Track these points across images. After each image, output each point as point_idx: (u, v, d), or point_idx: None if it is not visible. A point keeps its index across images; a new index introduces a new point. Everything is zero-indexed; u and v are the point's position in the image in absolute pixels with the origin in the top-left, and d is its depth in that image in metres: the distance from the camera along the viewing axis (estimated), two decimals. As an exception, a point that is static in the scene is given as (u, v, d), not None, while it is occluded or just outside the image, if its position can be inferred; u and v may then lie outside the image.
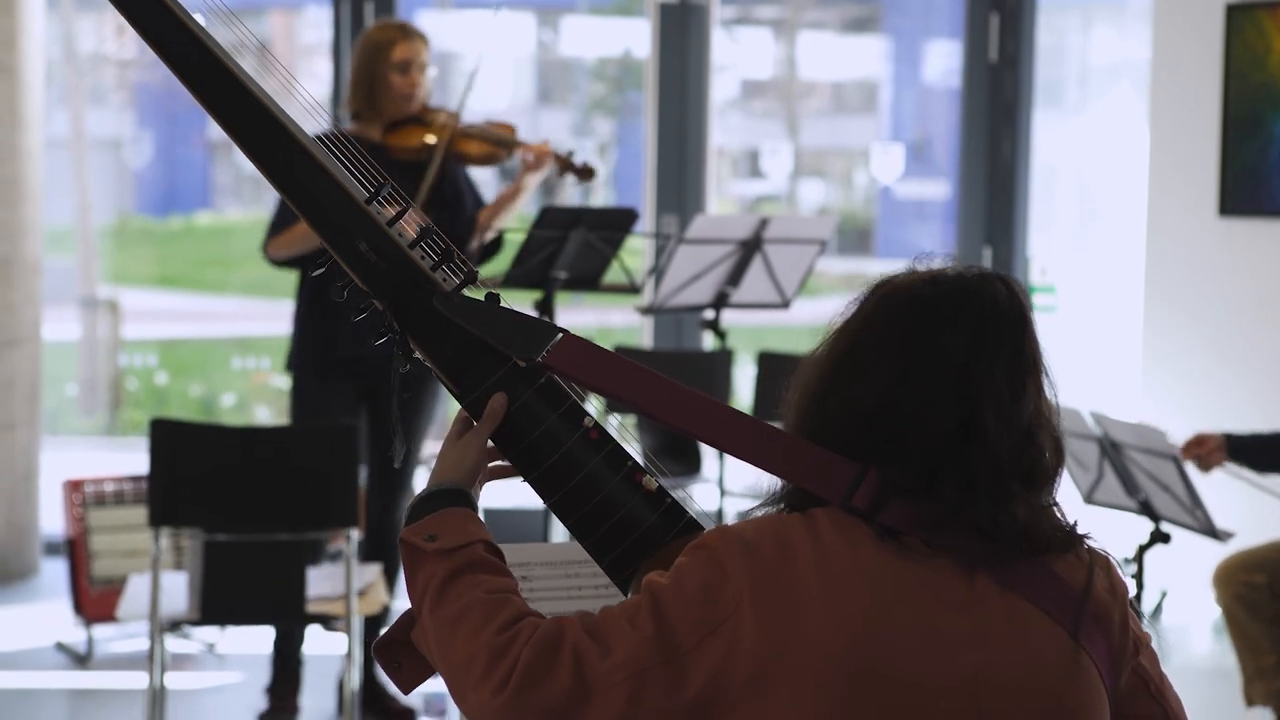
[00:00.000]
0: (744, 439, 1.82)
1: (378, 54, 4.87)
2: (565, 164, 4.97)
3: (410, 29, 4.96)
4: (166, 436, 4.09)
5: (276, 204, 4.90)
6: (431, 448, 6.13)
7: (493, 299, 1.92)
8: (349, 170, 1.96)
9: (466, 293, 1.93)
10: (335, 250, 1.92)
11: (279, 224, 4.77)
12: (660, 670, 1.67)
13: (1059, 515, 1.79)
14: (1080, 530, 1.80)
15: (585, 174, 5.01)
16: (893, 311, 1.77)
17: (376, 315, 1.95)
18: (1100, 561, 1.80)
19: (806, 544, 1.71)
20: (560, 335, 1.89)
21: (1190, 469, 4.51)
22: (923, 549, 1.72)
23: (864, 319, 1.79)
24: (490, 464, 1.92)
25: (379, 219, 1.92)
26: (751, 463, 1.82)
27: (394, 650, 1.86)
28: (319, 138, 2.04)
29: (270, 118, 1.92)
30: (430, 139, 4.89)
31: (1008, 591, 1.73)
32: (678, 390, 1.86)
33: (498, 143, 4.95)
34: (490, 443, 1.90)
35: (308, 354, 4.80)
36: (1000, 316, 1.76)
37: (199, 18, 1.95)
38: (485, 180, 6.76)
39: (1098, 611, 1.77)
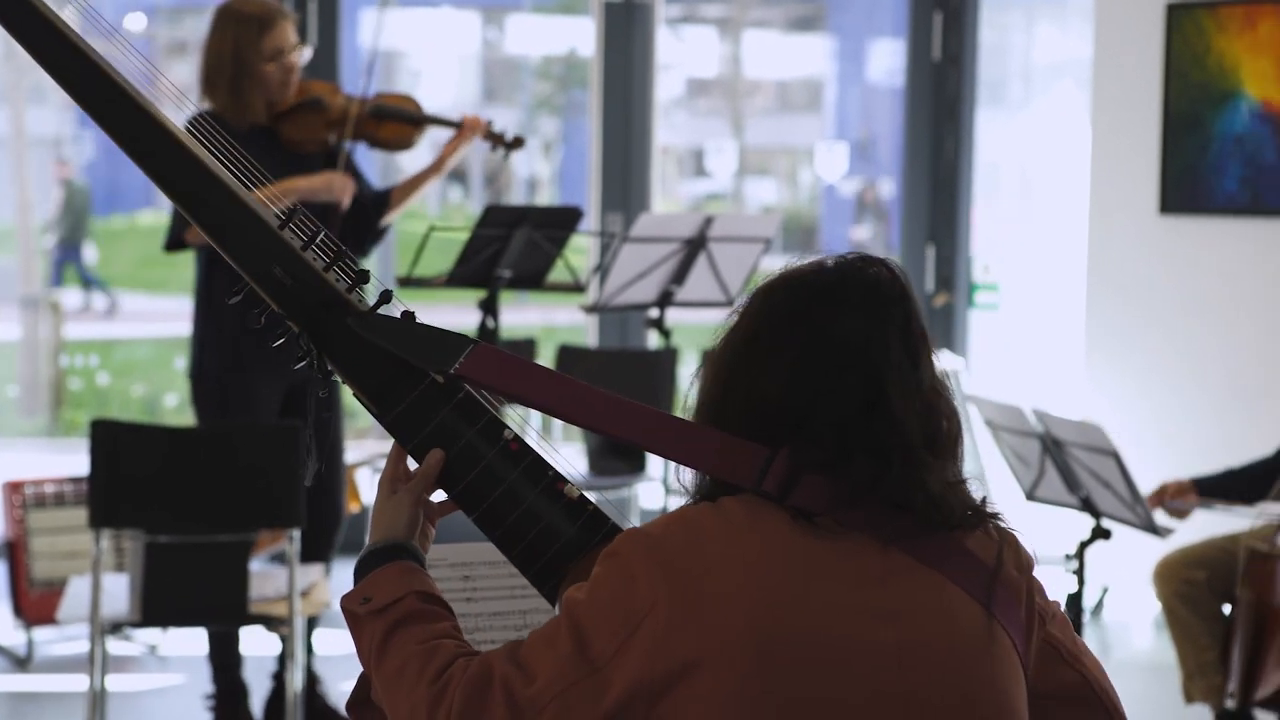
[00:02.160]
0: (653, 432, 1.86)
1: (242, 43, 4.41)
2: (491, 136, 4.77)
3: (274, 6, 4.49)
4: (107, 437, 4.05)
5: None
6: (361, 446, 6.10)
7: (408, 316, 1.94)
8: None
9: (382, 310, 1.94)
10: (249, 274, 1.94)
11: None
12: (584, 684, 1.71)
13: (968, 492, 1.82)
14: (989, 508, 1.83)
15: (514, 145, 4.80)
16: (784, 301, 1.82)
17: (293, 338, 1.96)
18: (1008, 538, 1.84)
19: (715, 532, 1.74)
20: (472, 346, 1.92)
21: (1148, 477, 4.54)
22: (836, 528, 1.74)
23: (756, 312, 1.83)
24: (436, 502, 1.96)
25: (292, 244, 1.93)
26: (663, 455, 1.88)
27: (364, 709, 1.91)
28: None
29: (175, 143, 1.93)
30: (333, 132, 4.58)
31: (922, 566, 1.76)
32: (586, 391, 1.89)
33: (411, 121, 4.66)
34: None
35: (227, 355, 4.50)
36: (885, 295, 1.80)
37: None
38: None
39: (1008, 586, 1.80)
